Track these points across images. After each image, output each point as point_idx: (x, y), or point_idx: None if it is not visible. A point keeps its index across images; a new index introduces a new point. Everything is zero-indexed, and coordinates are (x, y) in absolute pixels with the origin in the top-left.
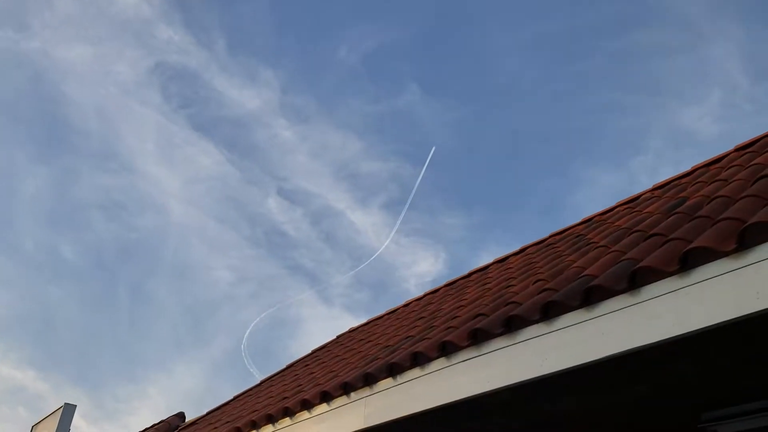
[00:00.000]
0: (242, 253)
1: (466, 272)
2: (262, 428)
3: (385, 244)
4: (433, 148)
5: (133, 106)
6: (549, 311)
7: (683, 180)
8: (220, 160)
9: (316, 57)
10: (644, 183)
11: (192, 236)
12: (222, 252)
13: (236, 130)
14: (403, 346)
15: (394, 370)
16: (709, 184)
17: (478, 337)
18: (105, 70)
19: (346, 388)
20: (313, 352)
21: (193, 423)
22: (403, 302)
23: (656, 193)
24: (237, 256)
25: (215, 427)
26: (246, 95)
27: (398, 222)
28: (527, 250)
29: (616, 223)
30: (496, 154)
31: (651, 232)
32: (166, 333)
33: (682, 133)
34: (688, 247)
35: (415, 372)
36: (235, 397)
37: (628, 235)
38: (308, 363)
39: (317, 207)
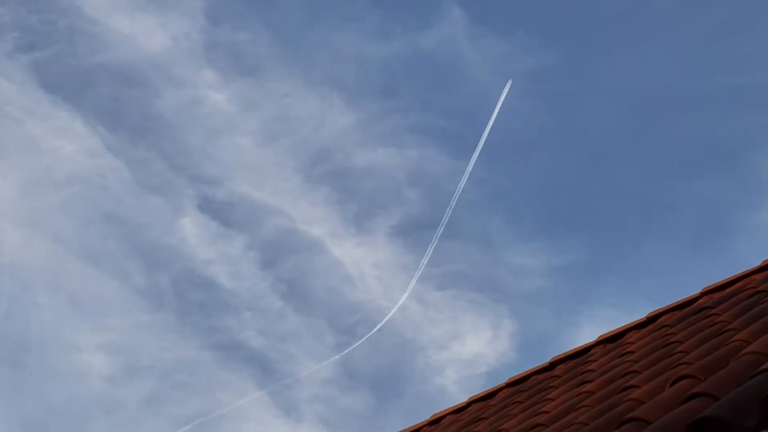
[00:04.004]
0: (132, 320)
1: (547, 360)
2: None
3: (400, 302)
4: (509, 83)
5: None
6: None
7: None
8: (94, 146)
9: None
10: None
11: (39, 286)
12: (95, 318)
13: (123, 92)
14: None
15: None
16: None
17: None
18: None
19: None
20: None
21: None
22: (431, 416)
23: None
24: (123, 326)
25: None
26: (143, 26)
27: (424, 261)
28: (661, 318)
29: None
30: (605, 135)
31: None
32: None
33: None
34: None
35: None
36: None
37: None
38: None
39: (272, 232)
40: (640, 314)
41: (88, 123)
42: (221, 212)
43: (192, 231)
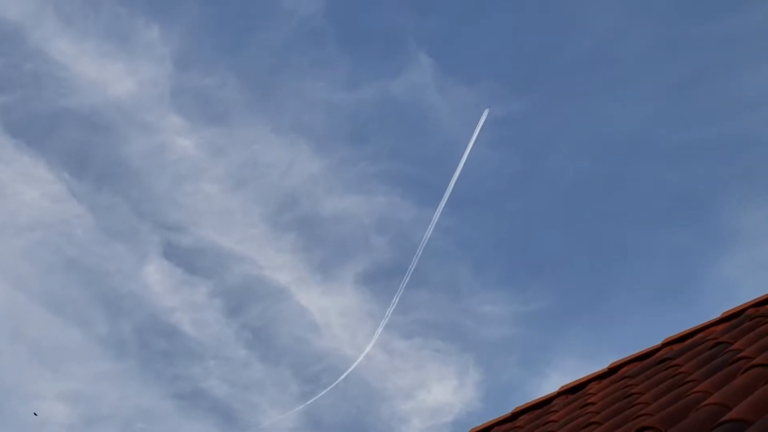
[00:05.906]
0: (94, 369)
1: (510, 410)
2: None
3: (366, 350)
4: (487, 111)
5: None
6: None
7: None
8: (58, 192)
9: (243, 3)
10: None
11: None
12: (56, 366)
13: (89, 137)
14: None
15: None
16: None
17: None
18: None
19: None
20: None
21: None
22: None
23: None
24: (84, 374)
25: None
26: (110, 71)
27: (390, 309)
28: (622, 369)
29: None
30: (573, 183)
31: None
32: None
33: None
34: None
35: None
36: None
37: None
38: None
39: (238, 279)
40: (603, 363)
41: (52, 168)
42: (186, 259)
43: (156, 278)
